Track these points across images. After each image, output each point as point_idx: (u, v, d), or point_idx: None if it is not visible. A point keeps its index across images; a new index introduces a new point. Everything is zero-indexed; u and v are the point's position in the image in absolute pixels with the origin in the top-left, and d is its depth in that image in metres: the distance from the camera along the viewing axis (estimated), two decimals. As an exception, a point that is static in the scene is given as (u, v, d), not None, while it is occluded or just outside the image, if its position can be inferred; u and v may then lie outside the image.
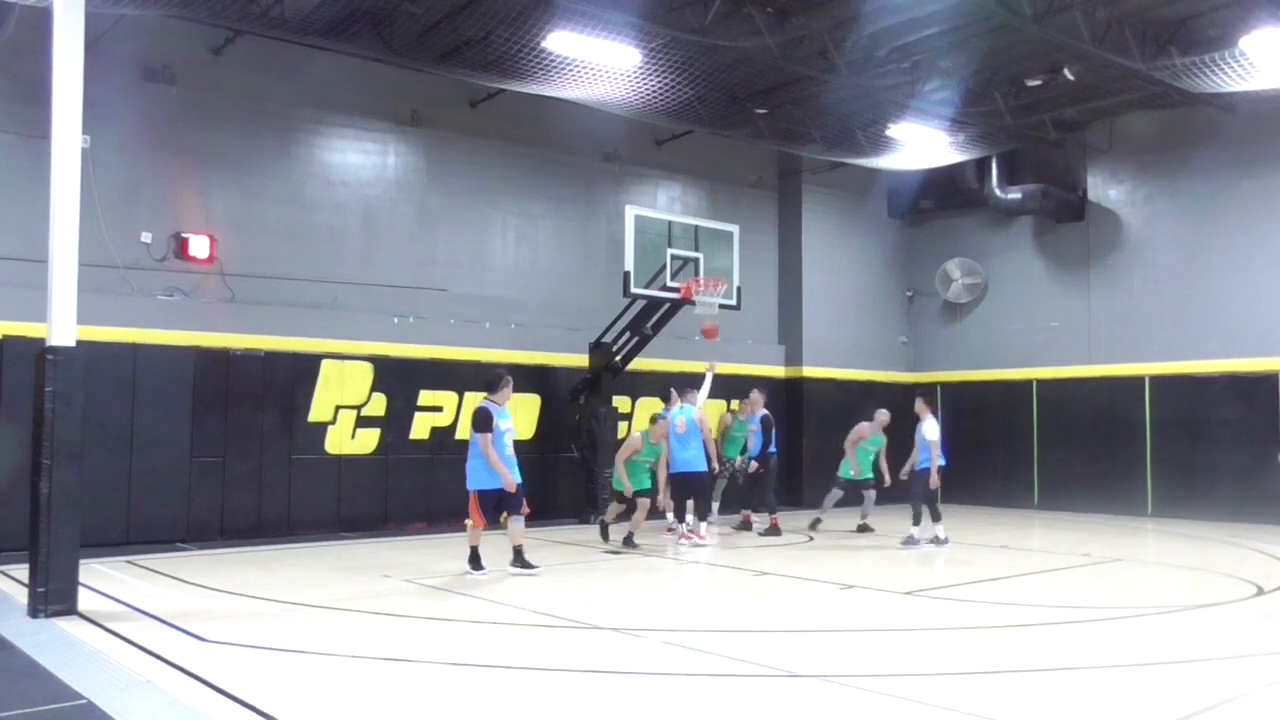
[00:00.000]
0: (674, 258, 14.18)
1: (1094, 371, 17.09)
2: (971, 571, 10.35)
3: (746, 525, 14.00)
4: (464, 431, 14.57)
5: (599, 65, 12.04)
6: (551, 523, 14.44)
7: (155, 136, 12.59)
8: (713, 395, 17.15)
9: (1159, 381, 16.38)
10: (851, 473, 13.40)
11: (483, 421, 9.44)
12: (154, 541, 11.76)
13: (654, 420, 12.32)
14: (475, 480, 9.52)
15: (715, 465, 12.74)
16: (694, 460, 11.99)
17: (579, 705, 5.28)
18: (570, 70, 12.15)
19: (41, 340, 7.66)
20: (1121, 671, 6.06)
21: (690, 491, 12.16)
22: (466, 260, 15.06)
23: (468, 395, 14.58)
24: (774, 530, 13.31)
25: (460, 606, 8.06)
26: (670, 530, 12.70)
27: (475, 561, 9.64)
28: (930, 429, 12.08)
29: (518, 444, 14.78)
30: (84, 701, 5.26)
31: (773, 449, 13.81)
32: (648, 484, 12.02)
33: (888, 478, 13.41)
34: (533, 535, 13.21)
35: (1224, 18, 12.04)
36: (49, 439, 7.40)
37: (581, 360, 15.19)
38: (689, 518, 12.20)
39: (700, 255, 14.38)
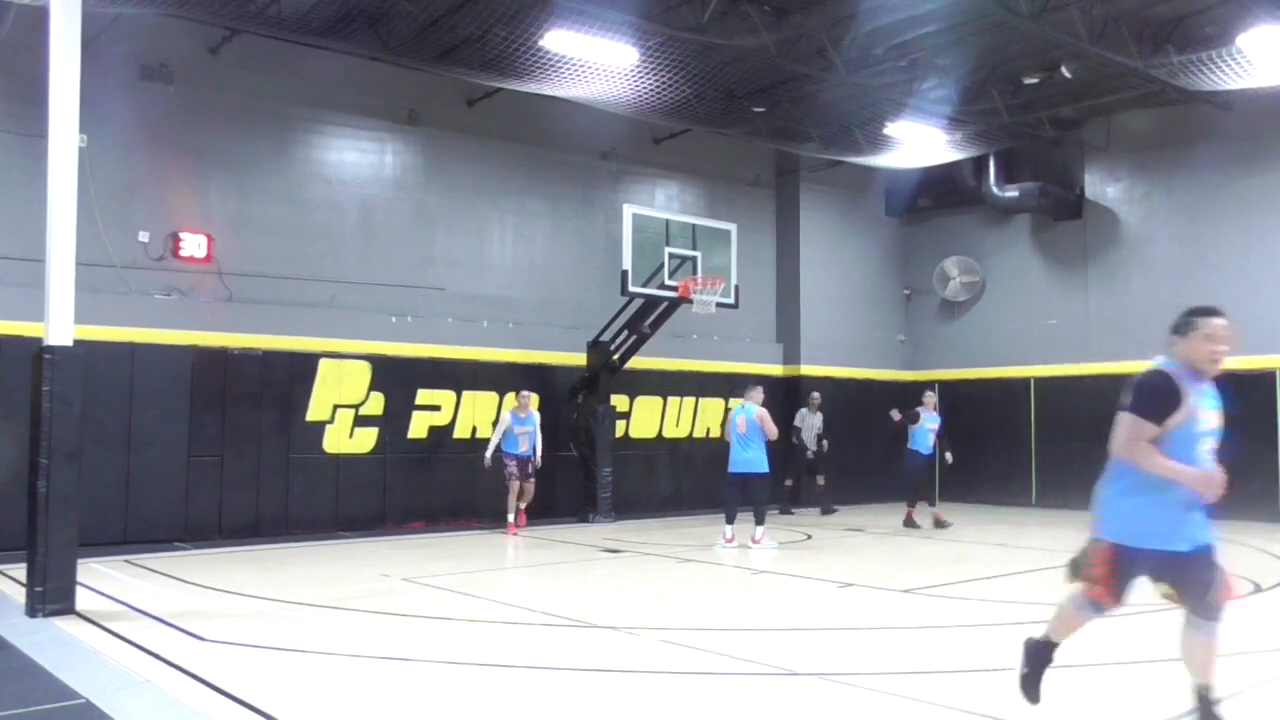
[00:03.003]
0: (672, 256, 14.20)
1: (1091, 369, 17.09)
2: (970, 569, 10.35)
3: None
4: (462, 430, 14.60)
5: (596, 64, 12.03)
6: (549, 521, 14.46)
7: (152, 135, 12.57)
8: (714, 393, 17.23)
9: (1156, 379, 16.36)
10: None
11: (1147, 398, 4.40)
12: (152, 541, 11.75)
13: None
14: (1115, 525, 4.44)
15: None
16: (755, 461, 11.65)
17: (578, 704, 5.28)
18: (568, 69, 12.14)
19: (39, 339, 7.65)
20: (1119, 669, 6.06)
21: (748, 493, 11.82)
22: (464, 259, 15.06)
23: (466, 394, 14.59)
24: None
25: (458, 605, 8.06)
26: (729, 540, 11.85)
27: (1036, 664, 4.88)
28: None
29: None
30: (82, 701, 5.26)
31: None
32: None
33: None
34: (529, 534, 13.24)
35: (1221, 15, 12.05)
36: (46, 438, 7.40)
37: (579, 359, 15.19)
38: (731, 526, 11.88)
39: (698, 254, 14.39)
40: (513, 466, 13.22)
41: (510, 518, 13.24)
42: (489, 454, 13.15)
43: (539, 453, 13.44)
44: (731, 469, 11.81)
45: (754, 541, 11.57)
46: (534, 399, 13.69)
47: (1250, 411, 15.36)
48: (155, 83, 12.55)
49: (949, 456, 14.58)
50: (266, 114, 13.45)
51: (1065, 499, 16.96)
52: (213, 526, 12.44)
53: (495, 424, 14.39)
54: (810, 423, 16.22)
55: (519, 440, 13.26)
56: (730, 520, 11.81)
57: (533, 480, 13.46)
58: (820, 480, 16.24)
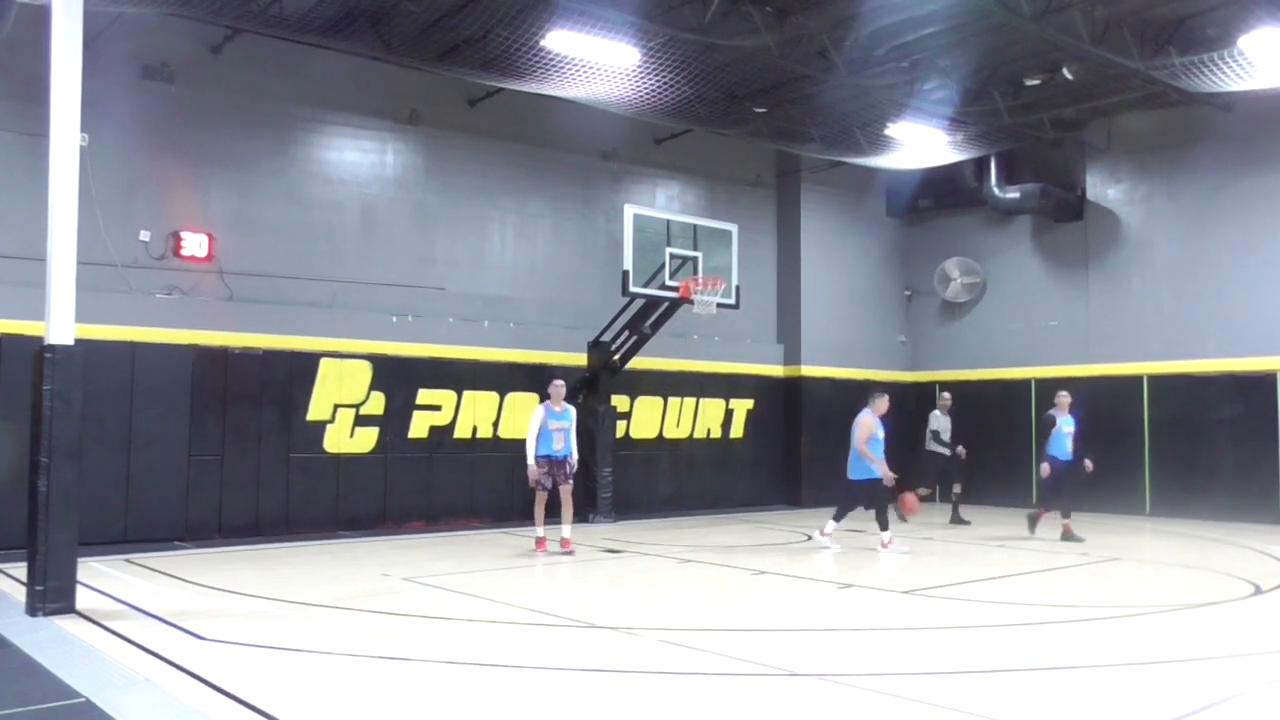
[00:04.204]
0: (673, 256, 14.19)
1: (1092, 371, 17.09)
2: (970, 570, 10.35)
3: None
4: (463, 430, 14.60)
5: (598, 64, 12.04)
6: (549, 522, 14.43)
7: (153, 135, 12.58)
8: (714, 394, 17.22)
9: (1157, 381, 16.39)
10: None
11: None
12: (152, 540, 11.76)
13: None
14: None
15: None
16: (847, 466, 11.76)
17: (577, 704, 5.28)
18: (569, 69, 12.15)
19: (40, 338, 7.66)
20: (1119, 670, 6.06)
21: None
22: (465, 259, 15.06)
23: (466, 394, 14.59)
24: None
25: (458, 605, 8.06)
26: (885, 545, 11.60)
27: None
28: None
29: (515, 444, 14.92)
30: (82, 700, 5.26)
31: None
32: None
33: None
34: (529, 534, 13.25)
35: (1222, 17, 12.05)
36: (47, 437, 7.40)
37: (580, 359, 15.18)
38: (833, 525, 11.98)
39: (699, 254, 14.38)
40: (543, 473, 11.31)
41: (539, 531, 11.37)
42: (531, 459, 11.21)
43: (574, 454, 11.57)
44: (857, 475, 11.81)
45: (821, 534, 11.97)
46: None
47: (1251, 413, 15.39)
48: (156, 82, 12.55)
49: (1089, 464, 13.15)
50: (268, 113, 13.45)
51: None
52: (213, 526, 12.44)
53: (488, 422, 14.39)
54: (945, 425, 15.04)
55: (554, 438, 11.34)
56: (884, 525, 11.67)
57: (570, 483, 11.55)
58: (956, 488, 15.07)
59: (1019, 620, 7.59)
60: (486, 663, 6.17)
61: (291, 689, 5.56)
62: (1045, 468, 12.84)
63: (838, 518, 12.01)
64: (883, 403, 11.94)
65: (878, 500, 11.65)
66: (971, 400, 18.61)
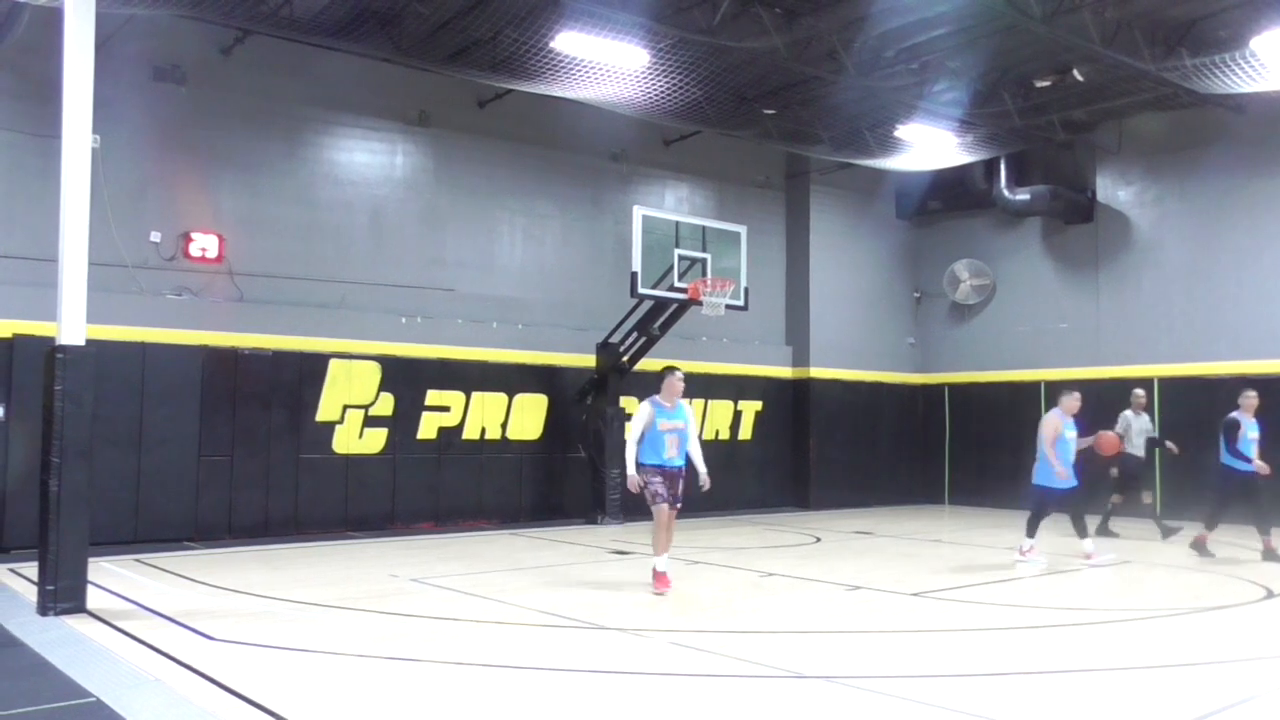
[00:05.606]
0: (681, 258, 14.18)
1: (1102, 373, 17.02)
2: (978, 573, 10.32)
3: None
4: (471, 431, 14.62)
5: (607, 66, 12.05)
6: (557, 523, 14.47)
7: (164, 136, 12.63)
8: (723, 395, 17.21)
9: (1168, 383, 16.32)
10: None
11: None
12: (162, 540, 11.80)
13: None
14: None
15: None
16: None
17: (585, 705, 5.28)
18: (578, 71, 12.16)
19: (51, 339, 7.69)
20: (1129, 674, 6.04)
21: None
22: (474, 260, 15.08)
23: (475, 395, 14.61)
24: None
25: (466, 606, 8.07)
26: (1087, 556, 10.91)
27: None
28: None
29: (524, 445, 14.92)
30: (92, 699, 5.28)
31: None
32: None
33: None
34: (537, 535, 13.27)
35: (1234, 18, 12.01)
36: (58, 437, 7.43)
37: (589, 360, 15.19)
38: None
39: (708, 256, 14.37)
40: (658, 483, 8.72)
41: (659, 563, 8.82)
42: (631, 467, 8.72)
43: (701, 466, 9.02)
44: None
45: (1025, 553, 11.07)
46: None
47: (1261, 415, 15.27)
48: (168, 83, 12.61)
49: (1261, 466, 11.11)
50: (278, 115, 13.49)
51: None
52: (222, 526, 12.48)
53: (497, 423, 14.32)
54: (1136, 426, 13.50)
55: (664, 442, 8.74)
56: (1082, 533, 10.98)
57: (679, 506, 8.98)
58: (1145, 498, 13.73)
59: (1029, 623, 7.57)
60: (495, 664, 6.18)
61: (300, 689, 5.57)
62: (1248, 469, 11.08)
63: (1030, 532, 11.05)
64: (1071, 401, 10.98)
65: (1069, 506, 10.91)
66: (981, 403, 18.60)
